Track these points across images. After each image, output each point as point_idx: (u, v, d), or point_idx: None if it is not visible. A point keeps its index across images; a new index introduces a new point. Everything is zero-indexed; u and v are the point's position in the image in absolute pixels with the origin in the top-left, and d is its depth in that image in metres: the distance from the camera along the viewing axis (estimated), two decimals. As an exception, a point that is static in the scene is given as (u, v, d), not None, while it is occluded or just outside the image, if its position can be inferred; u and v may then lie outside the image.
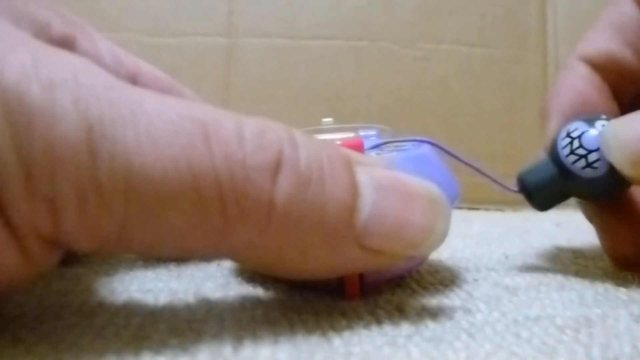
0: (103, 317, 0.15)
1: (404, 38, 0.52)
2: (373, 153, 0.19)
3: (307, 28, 0.52)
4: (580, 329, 0.15)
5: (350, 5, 0.52)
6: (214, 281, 0.20)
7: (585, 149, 0.20)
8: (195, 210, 0.13)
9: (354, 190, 0.15)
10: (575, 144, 0.20)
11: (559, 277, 0.21)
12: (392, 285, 0.19)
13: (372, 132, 0.20)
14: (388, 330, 0.15)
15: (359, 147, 0.17)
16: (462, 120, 0.52)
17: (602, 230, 0.22)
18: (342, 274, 0.17)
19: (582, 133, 0.20)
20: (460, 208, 0.48)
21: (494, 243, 0.29)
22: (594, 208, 0.22)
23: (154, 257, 0.23)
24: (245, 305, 0.17)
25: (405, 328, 0.15)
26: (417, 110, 0.52)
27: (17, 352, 0.13)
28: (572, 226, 0.37)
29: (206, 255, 0.15)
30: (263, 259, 0.15)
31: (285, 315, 0.16)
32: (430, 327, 0.15)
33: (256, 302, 0.17)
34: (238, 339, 0.14)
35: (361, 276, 0.17)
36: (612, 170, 0.19)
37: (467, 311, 0.17)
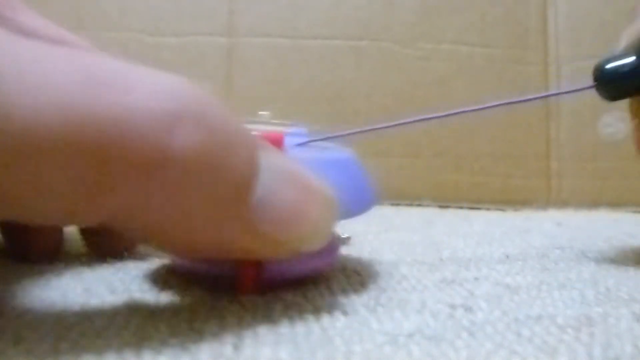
0: (104, 317, 0.15)
1: (404, 38, 0.52)
2: (295, 150, 0.18)
3: (308, 28, 0.52)
4: (581, 328, 0.15)
5: (350, 5, 0.52)
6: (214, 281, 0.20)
7: None
8: (75, 166, 0.12)
9: (253, 168, 0.14)
10: None
11: (560, 276, 0.21)
12: (393, 283, 0.19)
13: (300, 130, 0.20)
14: (389, 329, 0.15)
15: (278, 140, 0.17)
16: (463, 120, 0.52)
17: None
18: (230, 256, 0.16)
19: None
20: (461, 208, 0.48)
21: (495, 242, 0.29)
22: None
23: (27, 221, 0.21)
24: (245, 305, 0.17)
25: (406, 327, 0.15)
26: (417, 110, 0.51)
27: (18, 351, 0.13)
28: (572, 226, 0.37)
29: (83, 220, 0.14)
30: (146, 226, 0.14)
31: (286, 314, 0.16)
32: (431, 325, 0.15)
33: (257, 301, 0.17)
34: (239, 338, 0.14)
35: (258, 271, 0.17)
36: None
37: (468, 310, 0.17)
